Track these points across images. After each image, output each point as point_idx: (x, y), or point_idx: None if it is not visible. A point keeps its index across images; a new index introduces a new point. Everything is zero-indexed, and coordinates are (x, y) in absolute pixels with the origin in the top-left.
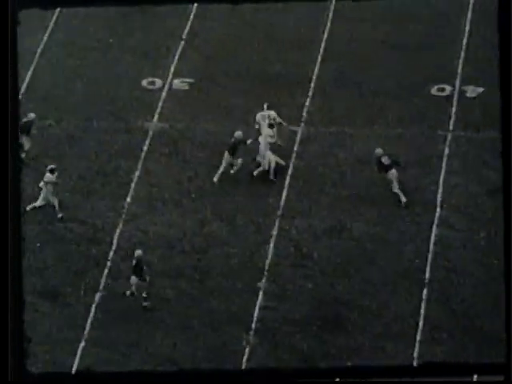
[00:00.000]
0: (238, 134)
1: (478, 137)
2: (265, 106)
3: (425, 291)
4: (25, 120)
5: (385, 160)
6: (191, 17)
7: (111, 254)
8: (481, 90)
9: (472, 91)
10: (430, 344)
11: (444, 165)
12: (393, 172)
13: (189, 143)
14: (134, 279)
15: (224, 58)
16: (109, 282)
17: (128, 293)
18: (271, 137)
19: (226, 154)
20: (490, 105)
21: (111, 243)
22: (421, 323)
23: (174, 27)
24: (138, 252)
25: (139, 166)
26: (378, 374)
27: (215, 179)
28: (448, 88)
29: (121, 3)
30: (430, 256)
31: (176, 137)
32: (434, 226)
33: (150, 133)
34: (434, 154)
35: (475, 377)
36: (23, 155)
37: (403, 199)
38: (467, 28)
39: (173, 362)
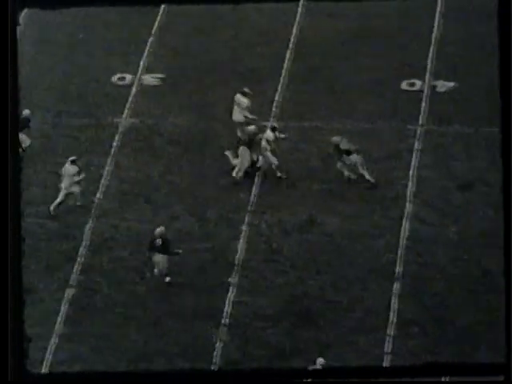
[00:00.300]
0: (251, 128)
1: (449, 131)
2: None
3: (396, 286)
4: (21, 117)
5: (343, 145)
6: (161, 12)
7: (82, 249)
8: (451, 84)
9: (442, 86)
10: (402, 339)
11: (414, 159)
12: (354, 157)
13: (159, 138)
14: (158, 257)
15: (194, 53)
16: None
17: (148, 274)
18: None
19: (243, 148)
20: (460, 99)
21: (82, 239)
22: (392, 318)
23: (144, 23)
24: (160, 229)
25: (110, 162)
26: (377, 374)
27: (235, 174)
28: (418, 83)
29: (120, 3)
30: (401, 250)
31: (146, 132)
32: (405, 221)
33: (121, 128)
34: (404, 149)
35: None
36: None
37: (372, 180)
38: (437, 23)
39: (144, 357)
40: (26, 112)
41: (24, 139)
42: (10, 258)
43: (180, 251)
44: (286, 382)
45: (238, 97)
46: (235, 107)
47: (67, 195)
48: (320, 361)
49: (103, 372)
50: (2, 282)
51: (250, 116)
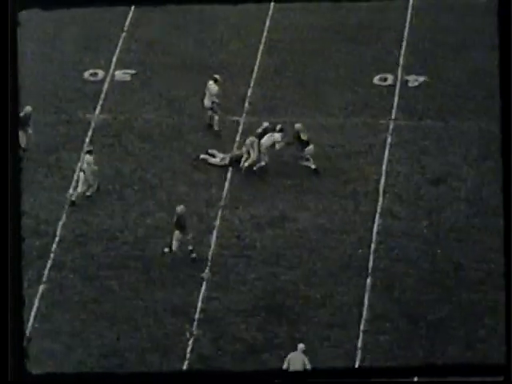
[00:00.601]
0: (266, 124)
1: (421, 126)
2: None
3: (368, 280)
4: (21, 114)
5: (303, 135)
6: (132, 8)
7: (54, 245)
8: (422, 79)
9: (414, 80)
10: (374, 333)
11: (387, 154)
12: (311, 148)
13: (131, 134)
14: (177, 234)
15: (165, 48)
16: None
17: (166, 250)
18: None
19: (253, 140)
20: (431, 94)
21: (54, 235)
22: (364, 313)
23: (116, 18)
24: (180, 208)
25: (82, 158)
26: (377, 374)
27: (246, 165)
28: (390, 77)
29: (120, 3)
30: (373, 245)
31: (118, 128)
32: (377, 215)
33: (93, 124)
34: (376, 143)
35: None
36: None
37: (313, 166)
38: (409, 17)
39: (116, 353)
40: (27, 109)
41: (22, 136)
42: (9, 258)
43: (191, 236)
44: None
45: (210, 83)
46: (206, 93)
47: (88, 185)
48: (301, 347)
49: (103, 372)
50: (1, 282)
51: (217, 100)
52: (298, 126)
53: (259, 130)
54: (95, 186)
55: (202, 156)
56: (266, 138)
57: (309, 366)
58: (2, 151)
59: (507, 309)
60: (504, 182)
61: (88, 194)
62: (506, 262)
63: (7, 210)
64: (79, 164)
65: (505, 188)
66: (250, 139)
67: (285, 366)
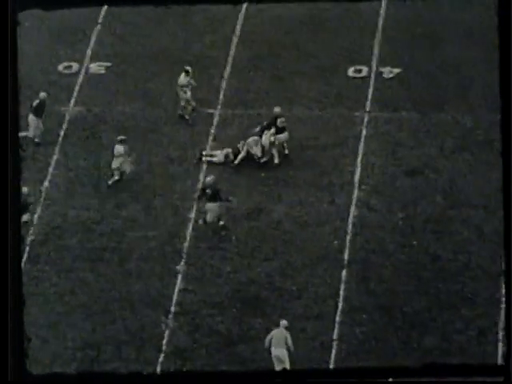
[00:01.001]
0: (277, 109)
1: (396, 117)
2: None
3: (344, 272)
4: (37, 101)
5: (280, 122)
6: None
7: (30, 238)
8: (397, 70)
9: (389, 72)
10: (350, 325)
11: (362, 146)
12: (286, 134)
13: (106, 127)
14: (210, 205)
15: (140, 41)
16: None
17: (201, 221)
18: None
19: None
20: (406, 85)
21: (30, 227)
22: (340, 304)
23: (91, 11)
24: (210, 178)
25: (57, 151)
26: (377, 374)
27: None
28: (365, 69)
29: (120, 3)
30: (348, 237)
31: (93, 121)
32: (353, 207)
33: (68, 117)
34: (351, 135)
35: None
36: (37, 139)
37: (277, 160)
38: (383, 9)
39: (92, 345)
40: (41, 95)
41: (38, 125)
42: (9, 259)
43: (231, 199)
44: None
45: (181, 75)
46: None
47: (121, 173)
48: (284, 323)
49: (103, 372)
50: (2, 283)
51: (181, 91)
52: (277, 110)
53: (257, 129)
54: (127, 171)
55: (204, 158)
56: (264, 136)
57: (291, 342)
58: (1, 151)
59: (507, 309)
60: (504, 181)
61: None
62: (506, 261)
63: (7, 210)
64: (55, 157)
65: (505, 188)
66: (254, 138)
67: (267, 343)
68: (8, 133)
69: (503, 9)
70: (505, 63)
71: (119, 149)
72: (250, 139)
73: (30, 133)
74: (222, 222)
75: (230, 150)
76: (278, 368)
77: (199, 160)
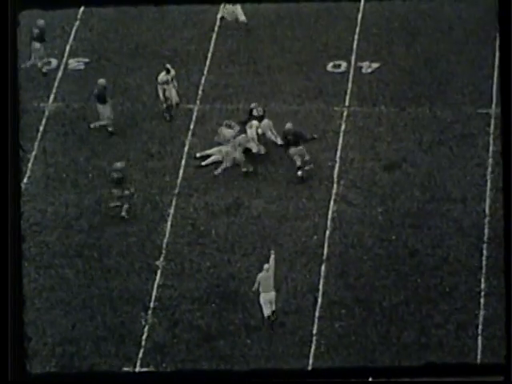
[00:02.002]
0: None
1: (374, 112)
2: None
3: (323, 267)
4: (97, 88)
5: (257, 111)
6: None
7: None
8: (376, 65)
9: (367, 67)
10: (329, 320)
11: (341, 140)
12: (267, 121)
13: (85, 123)
14: (293, 149)
15: (118, 36)
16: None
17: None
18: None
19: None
20: (385, 80)
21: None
22: (319, 299)
23: (70, 6)
24: (289, 125)
25: (36, 146)
26: (377, 374)
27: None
28: (344, 64)
29: (120, 3)
30: (327, 232)
31: (72, 116)
32: (332, 202)
33: (47, 113)
34: (330, 130)
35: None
36: (110, 128)
37: (262, 151)
38: (362, 4)
39: (72, 341)
40: (101, 81)
41: (103, 111)
42: (9, 259)
43: (316, 136)
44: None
45: (162, 73)
46: None
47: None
48: (267, 266)
49: (103, 372)
50: (1, 283)
51: (160, 88)
52: (253, 105)
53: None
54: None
55: (203, 163)
56: (249, 131)
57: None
58: (2, 152)
59: (507, 309)
60: (504, 181)
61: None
62: (505, 261)
63: (7, 210)
64: (34, 153)
65: (505, 188)
66: (242, 136)
67: (255, 288)
68: (8, 133)
69: (503, 9)
70: (505, 63)
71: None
72: (240, 137)
73: (103, 121)
74: (307, 168)
75: (227, 148)
76: (266, 312)
77: (199, 166)
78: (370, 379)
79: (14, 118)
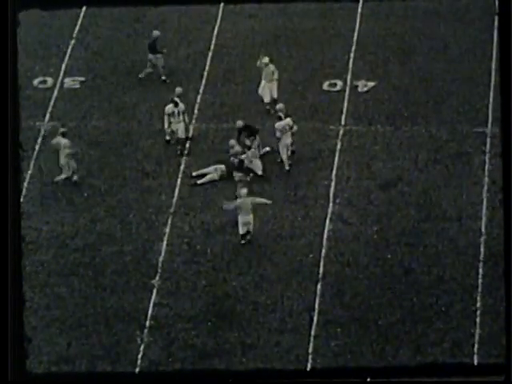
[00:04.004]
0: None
1: (370, 131)
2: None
3: (319, 286)
4: (151, 39)
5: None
6: (81, 15)
7: None
8: (372, 84)
9: (363, 86)
10: (325, 338)
11: (336, 159)
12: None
13: (80, 141)
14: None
15: (114, 55)
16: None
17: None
18: None
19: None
20: (381, 99)
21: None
22: (315, 318)
23: (65, 25)
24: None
25: (31, 165)
26: (377, 374)
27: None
28: (339, 83)
29: (120, 3)
30: (323, 250)
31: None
32: (327, 221)
33: (42, 131)
34: (326, 149)
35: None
36: (164, 77)
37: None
38: (357, 23)
39: (67, 360)
40: (155, 33)
41: (154, 60)
42: (9, 259)
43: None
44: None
45: (170, 105)
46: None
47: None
48: (243, 192)
49: (102, 372)
50: (1, 283)
51: (166, 120)
52: (239, 123)
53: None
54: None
55: (199, 181)
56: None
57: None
58: (2, 152)
59: (507, 309)
60: (504, 181)
61: (75, 178)
62: (505, 263)
63: (7, 210)
64: (29, 172)
65: (505, 188)
66: (251, 151)
67: (231, 208)
68: (8, 133)
69: (503, 9)
70: (505, 63)
71: (62, 142)
72: (249, 153)
73: (150, 69)
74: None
75: (223, 167)
76: (242, 231)
77: (195, 184)
78: (369, 379)
79: (14, 118)
